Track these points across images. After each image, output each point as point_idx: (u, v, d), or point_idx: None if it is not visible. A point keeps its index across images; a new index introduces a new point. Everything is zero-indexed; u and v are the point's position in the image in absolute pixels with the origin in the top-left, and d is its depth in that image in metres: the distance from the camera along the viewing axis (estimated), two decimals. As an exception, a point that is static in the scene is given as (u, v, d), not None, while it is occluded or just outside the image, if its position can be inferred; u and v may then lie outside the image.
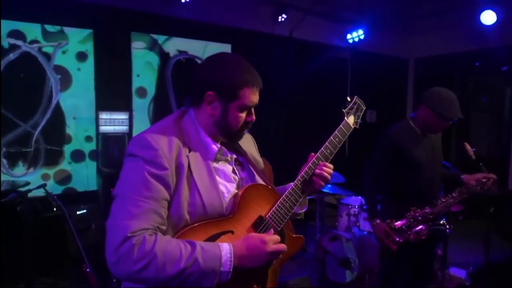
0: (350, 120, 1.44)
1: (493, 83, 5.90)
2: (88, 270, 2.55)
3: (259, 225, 1.22)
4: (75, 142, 3.96)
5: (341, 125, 1.41)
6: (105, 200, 3.60)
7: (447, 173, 2.50)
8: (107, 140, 3.73)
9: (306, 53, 5.58)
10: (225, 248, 1.09)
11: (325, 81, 5.72)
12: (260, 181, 1.33)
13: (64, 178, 3.93)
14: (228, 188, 1.22)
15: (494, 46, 5.09)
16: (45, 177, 3.81)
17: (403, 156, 2.26)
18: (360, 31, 5.53)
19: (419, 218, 2.22)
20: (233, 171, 1.27)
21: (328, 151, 1.36)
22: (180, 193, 1.11)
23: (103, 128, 3.75)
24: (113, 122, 3.80)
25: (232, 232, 1.16)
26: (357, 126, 1.47)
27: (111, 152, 3.72)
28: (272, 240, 1.16)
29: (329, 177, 1.33)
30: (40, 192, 2.79)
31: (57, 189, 3.86)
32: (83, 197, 3.91)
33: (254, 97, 1.20)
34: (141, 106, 4.34)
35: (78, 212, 3.43)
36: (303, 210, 1.43)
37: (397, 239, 2.18)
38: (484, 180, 2.32)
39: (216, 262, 1.05)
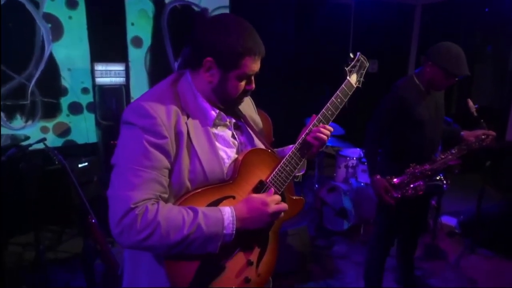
0: (353, 79, 1.40)
1: (500, 32, 5.69)
2: (93, 221, 2.62)
3: (260, 189, 1.22)
4: (71, 94, 3.90)
5: (343, 85, 1.37)
6: (105, 153, 3.62)
7: (448, 129, 2.49)
8: (104, 92, 3.65)
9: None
10: (227, 211, 1.10)
11: (327, 29, 5.50)
12: (259, 144, 1.31)
13: (64, 131, 3.92)
14: (228, 153, 1.21)
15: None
16: (45, 130, 3.80)
17: (406, 113, 2.23)
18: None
19: (418, 174, 2.25)
20: (232, 136, 1.26)
21: (330, 112, 1.33)
22: (180, 162, 1.10)
23: (99, 80, 3.65)
24: (109, 74, 3.69)
25: (234, 197, 1.17)
26: (360, 85, 1.43)
27: (109, 104, 3.66)
28: (273, 201, 1.17)
29: (326, 140, 1.30)
30: (41, 146, 2.80)
31: (58, 142, 3.88)
32: (84, 149, 3.94)
33: (255, 66, 1.14)
34: (137, 56, 4.21)
35: (79, 165, 3.46)
36: (302, 173, 1.43)
37: (395, 195, 2.22)
38: (483, 136, 2.33)
39: (219, 226, 1.07)
